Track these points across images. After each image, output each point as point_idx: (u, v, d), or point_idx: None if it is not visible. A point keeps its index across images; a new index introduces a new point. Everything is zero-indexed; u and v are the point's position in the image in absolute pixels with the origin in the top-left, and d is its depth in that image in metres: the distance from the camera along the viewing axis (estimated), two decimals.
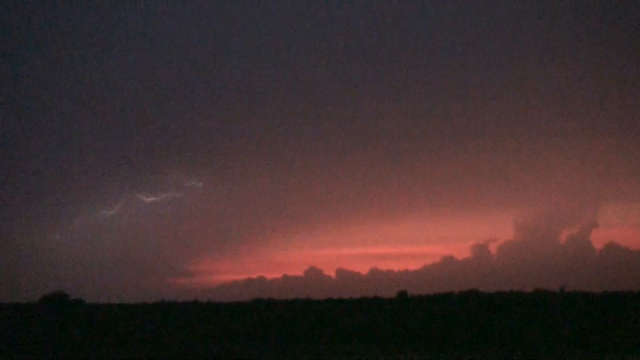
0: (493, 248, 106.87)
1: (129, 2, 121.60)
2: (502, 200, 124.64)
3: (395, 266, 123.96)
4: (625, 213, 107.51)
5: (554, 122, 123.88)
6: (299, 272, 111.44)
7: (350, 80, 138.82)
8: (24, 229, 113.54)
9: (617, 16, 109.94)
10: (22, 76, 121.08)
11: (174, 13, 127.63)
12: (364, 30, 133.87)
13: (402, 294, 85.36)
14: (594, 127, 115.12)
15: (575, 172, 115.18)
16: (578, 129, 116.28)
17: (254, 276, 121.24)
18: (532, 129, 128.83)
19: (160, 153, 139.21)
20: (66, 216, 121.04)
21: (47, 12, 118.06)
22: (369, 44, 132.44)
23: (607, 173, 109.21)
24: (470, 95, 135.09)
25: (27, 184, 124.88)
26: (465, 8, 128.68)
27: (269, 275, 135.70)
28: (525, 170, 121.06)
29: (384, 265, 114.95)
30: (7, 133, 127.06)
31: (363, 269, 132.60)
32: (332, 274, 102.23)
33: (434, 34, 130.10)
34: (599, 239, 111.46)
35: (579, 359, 21.85)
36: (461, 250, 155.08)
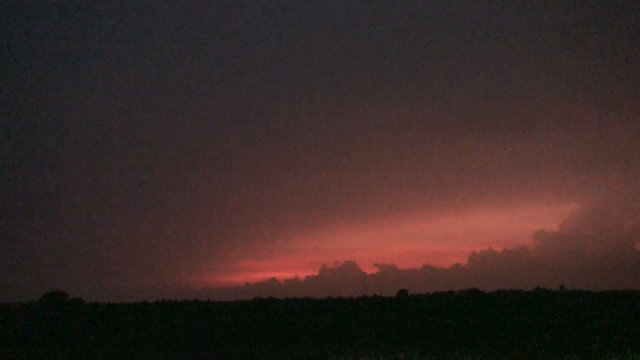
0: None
1: None
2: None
3: (400, 265, 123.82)
4: None
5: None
6: (313, 272, 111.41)
7: (374, 84, 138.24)
8: (25, 229, 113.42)
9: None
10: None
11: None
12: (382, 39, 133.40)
13: (403, 293, 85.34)
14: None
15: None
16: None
17: (263, 277, 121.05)
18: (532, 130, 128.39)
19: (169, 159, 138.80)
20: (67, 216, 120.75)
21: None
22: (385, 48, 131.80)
23: None
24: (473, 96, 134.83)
25: (27, 185, 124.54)
26: (458, 13, 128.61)
27: (279, 275, 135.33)
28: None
29: (390, 264, 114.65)
30: (13, 136, 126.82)
31: (369, 268, 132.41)
32: (340, 273, 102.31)
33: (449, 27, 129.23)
34: None
35: (579, 358, 21.79)
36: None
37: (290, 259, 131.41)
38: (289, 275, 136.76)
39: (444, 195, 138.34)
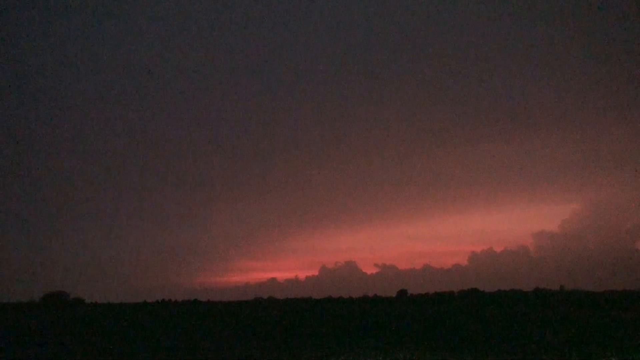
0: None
1: None
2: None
3: (400, 265, 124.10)
4: None
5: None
6: (313, 272, 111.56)
7: (374, 85, 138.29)
8: (25, 230, 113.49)
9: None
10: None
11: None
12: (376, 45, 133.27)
13: (403, 293, 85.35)
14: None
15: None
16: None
17: (263, 277, 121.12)
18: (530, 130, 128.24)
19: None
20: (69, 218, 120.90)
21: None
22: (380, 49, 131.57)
23: None
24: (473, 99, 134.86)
25: (29, 185, 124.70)
26: (460, 15, 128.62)
27: (279, 275, 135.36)
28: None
29: (390, 264, 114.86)
30: (13, 136, 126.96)
31: (369, 268, 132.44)
32: (340, 273, 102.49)
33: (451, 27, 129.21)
34: None
35: (579, 358, 21.79)
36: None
37: (290, 259, 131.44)
38: (289, 275, 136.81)
39: (444, 195, 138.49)
